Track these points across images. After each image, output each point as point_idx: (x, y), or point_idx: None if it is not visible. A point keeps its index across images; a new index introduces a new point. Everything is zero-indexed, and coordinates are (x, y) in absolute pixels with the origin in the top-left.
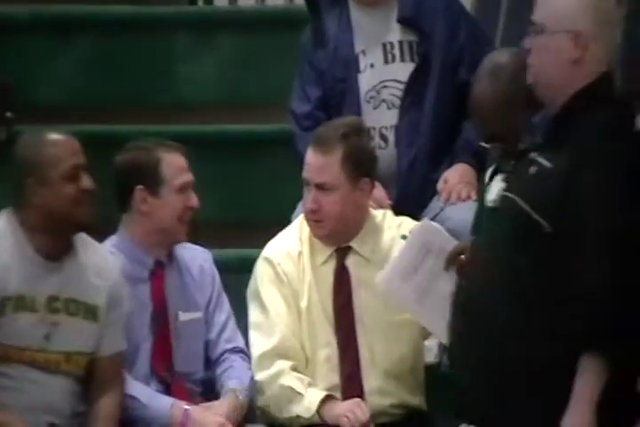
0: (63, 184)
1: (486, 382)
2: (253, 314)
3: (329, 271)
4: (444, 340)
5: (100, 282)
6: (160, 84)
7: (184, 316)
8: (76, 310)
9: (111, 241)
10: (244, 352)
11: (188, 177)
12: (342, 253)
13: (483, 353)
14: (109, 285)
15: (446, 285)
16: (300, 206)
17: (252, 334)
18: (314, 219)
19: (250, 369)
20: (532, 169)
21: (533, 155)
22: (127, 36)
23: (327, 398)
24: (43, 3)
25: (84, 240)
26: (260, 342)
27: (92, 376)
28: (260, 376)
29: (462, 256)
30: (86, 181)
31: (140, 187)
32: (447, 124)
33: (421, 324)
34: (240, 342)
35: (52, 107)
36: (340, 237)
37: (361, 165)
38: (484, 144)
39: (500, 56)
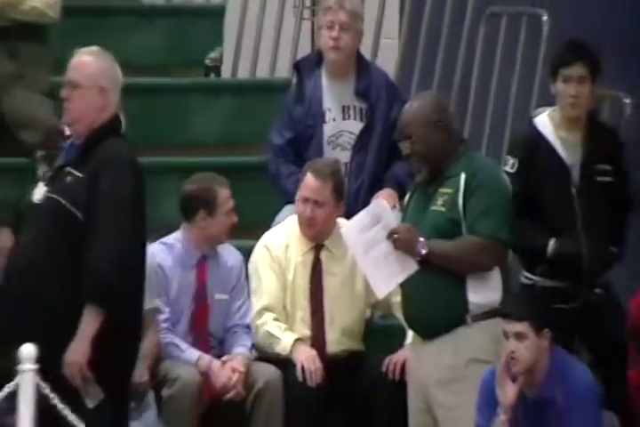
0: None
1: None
2: (253, 284)
3: (309, 259)
4: (376, 288)
5: None
6: (179, 130)
7: (218, 296)
8: None
9: (174, 235)
10: (249, 327)
11: (232, 203)
12: (318, 248)
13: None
14: None
15: (384, 248)
16: (279, 216)
17: (252, 297)
18: (308, 223)
19: (250, 340)
20: (69, 178)
21: (68, 169)
22: (162, 98)
23: (297, 342)
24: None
25: None
26: (256, 302)
27: None
28: (255, 324)
29: (395, 235)
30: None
31: (202, 210)
32: (383, 165)
33: (364, 272)
34: (248, 320)
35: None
36: (320, 236)
37: (341, 193)
38: (397, 141)
39: (424, 91)
